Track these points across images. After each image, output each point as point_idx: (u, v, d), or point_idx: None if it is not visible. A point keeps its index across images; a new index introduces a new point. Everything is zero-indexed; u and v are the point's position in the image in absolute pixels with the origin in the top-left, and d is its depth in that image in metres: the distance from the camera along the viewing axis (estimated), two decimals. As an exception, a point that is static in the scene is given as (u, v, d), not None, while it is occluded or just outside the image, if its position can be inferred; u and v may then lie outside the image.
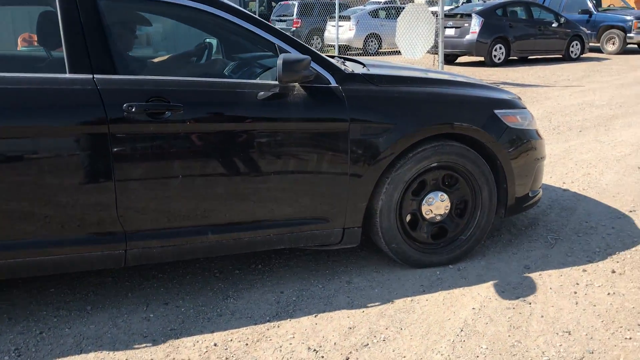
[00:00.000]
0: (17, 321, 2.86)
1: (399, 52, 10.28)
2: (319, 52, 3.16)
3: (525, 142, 3.50)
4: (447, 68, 11.50)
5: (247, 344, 2.69)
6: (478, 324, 2.83)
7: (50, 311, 2.96)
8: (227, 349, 2.66)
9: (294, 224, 3.06)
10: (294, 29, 17.87)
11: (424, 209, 3.34)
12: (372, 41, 16.89)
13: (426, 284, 3.22)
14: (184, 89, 2.79)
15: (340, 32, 13.67)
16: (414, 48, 9.74)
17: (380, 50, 16.61)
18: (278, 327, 2.83)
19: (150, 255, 2.85)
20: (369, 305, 3.02)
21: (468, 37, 13.35)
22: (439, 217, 3.38)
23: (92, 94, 2.64)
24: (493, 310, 2.95)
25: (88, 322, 2.85)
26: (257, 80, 3.02)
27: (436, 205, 3.35)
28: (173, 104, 2.74)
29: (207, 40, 3.80)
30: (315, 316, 2.91)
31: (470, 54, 13.54)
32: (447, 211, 3.38)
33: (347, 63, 3.64)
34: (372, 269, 3.41)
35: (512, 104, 3.59)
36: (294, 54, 2.92)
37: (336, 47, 12.31)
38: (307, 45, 3.14)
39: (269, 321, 2.87)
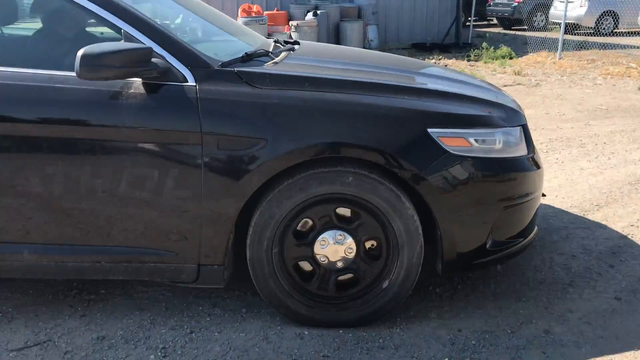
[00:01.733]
0: (173, 313, 2.73)
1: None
2: (181, 41, 2.47)
3: (480, 174, 2.48)
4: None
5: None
6: None
7: (205, 307, 2.78)
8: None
9: (132, 253, 2.47)
10: (515, 4, 16.47)
11: (317, 254, 2.51)
12: (606, 19, 14.86)
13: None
14: None
15: (569, 8, 12.14)
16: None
17: (615, 31, 14.53)
18: (448, 380, 2.30)
19: None
20: (572, 370, 2.34)
21: None
22: (340, 264, 2.52)
23: None
24: None
25: (239, 329, 2.61)
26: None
27: (332, 250, 2.50)
28: None
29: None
30: (497, 373, 2.33)
31: None
32: (351, 254, 2.52)
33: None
34: (579, 316, 2.69)
35: (467, 121, 2.55)
36: (111, 44, 2.26)
37: (562, 27, 10.92)
38: (170, 34, 2.47)
39: (437, 368, 2.36)
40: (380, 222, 2.47)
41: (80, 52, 2.19)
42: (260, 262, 2.48)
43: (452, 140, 2.48)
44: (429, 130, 2.44)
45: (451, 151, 2.45)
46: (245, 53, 2.68)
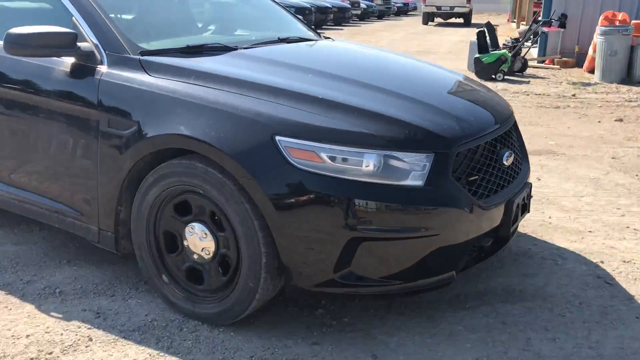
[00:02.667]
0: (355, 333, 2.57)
1: None
2: (111, 29, 2.83)
3: (326, 195, 2.26)
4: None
5: None
6: None
7: (385, 331, 2.60)
8: None
9: (59, 206, 2.97)
10: None
11: (185, 236, 2.59)
12: None
13: None
14: None
15: None
16: None
17: None
18: None
19: None
20: None
21: None
22: (195, 256, 2.57)
23: None
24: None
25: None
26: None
27: (193, 240, 2.55)
28: None
29: None
30: None
31: None
32: (208, 256, 2.53)
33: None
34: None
35: (323, 134, 2.32)
36: (38, 27, 2.68)
37: None
38: (105, 20, 2.85)
39: None
40: (230, 228, 2.43)
41: (8, 31, 2.66)
42: (140, 228, 2.68)
43: (300, 152, 2.30)
44: (277, 137, 2.31)
45: (295, 164, 2.29)
46: (187, 45, 3.01)
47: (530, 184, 3.03)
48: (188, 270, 2.62)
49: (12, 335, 2.55)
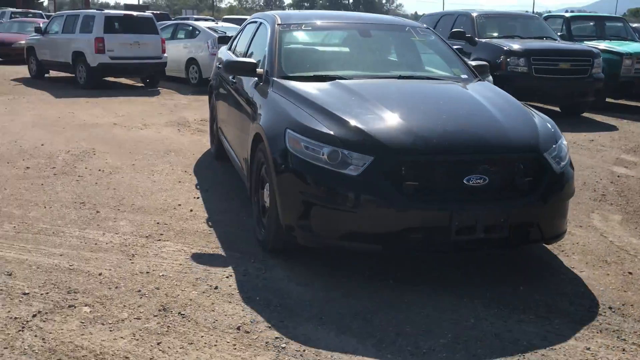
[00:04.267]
0: None
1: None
2: (276, 64, 4.52)
3: (297, 170, 3.48)
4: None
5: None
6: None
7: None
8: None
9: (237, 161, 5.02)
10: None
11: (263, 190, 4.03)
12: None
13: None
14: None
15: None
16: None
17: None
18: None
19: None
20: None
21: None
22: (264, 201, 4.01)
23: None
24: None
25: None
26: None
27: (263, 193, 4.02)
28: None
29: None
30: None
31: None
32: (267, 204, 3.88)
33: None
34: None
35: (305, 131, 3.51)
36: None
37: None
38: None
39: None
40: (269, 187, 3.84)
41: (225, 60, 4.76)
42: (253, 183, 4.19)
43: (293, 142, 3.52)
44: (287, 129, 3.61)
45: (289, 149, 3.51)
46: (314, 74, 4.43)
47: (515, 211, 3.43)
48: (262, 207, 4.00)
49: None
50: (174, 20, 21.91)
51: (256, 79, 4.51)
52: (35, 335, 2.85)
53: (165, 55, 13.29)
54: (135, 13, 14.17)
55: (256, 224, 4.11)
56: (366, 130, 3.44)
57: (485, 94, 4.21)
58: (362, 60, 4.98)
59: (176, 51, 14.07)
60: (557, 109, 11.27)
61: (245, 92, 4.72)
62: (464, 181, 3.34)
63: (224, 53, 6.49)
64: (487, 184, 3.36)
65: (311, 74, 4.40)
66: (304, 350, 2.81)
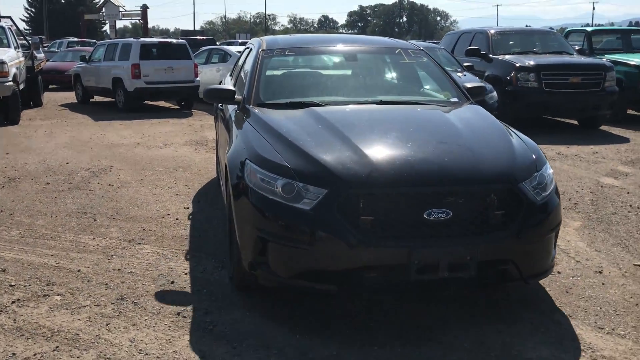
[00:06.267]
0: None
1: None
2: (253, 92, 4.48)
3: (248, 202, 3.37)
4: None
5: None
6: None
7: None
8: None
9: None
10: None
11: None
12: None
13: None
14: None
15: None
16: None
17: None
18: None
19: None
20: None
21: None
22: None
23: None
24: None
25: None
26: None
27: None
28: None
29: None
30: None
31: None
32: None
33: None
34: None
35: (262, 163, 3.38)
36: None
37: None
38: None
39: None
40: None
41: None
42: None
43: (251, 174, 3.39)
44: (247, 160, 3.48)
45: (247, 181, 3.39)
46: (290, 101, 4.35)
47: (484, 248, 3.13)
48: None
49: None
50: (213, 46, 22.92)
51: (236, 106, 4.51)
52: (9, 317, 3.43)
53: (197, 79, 14.10)
54: (170, 40, 15.13)
55: (229, 258, 3.92)
56: (322, 162, 3.25)
57: (466, 119, 3.98)
58: (344, 85, 4.91)
59: (210, 75, 14.89)
60: (576, 122, 11.37)
61: (226, 120, 4.82)
62: (425, 215, 3.07)
63: (227, 79, 6.51)
64: (450, 218, 3.09)
65: (288, 100, 4.32)
66: (228, 332, 3.26)
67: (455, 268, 3.11)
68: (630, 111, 12.00)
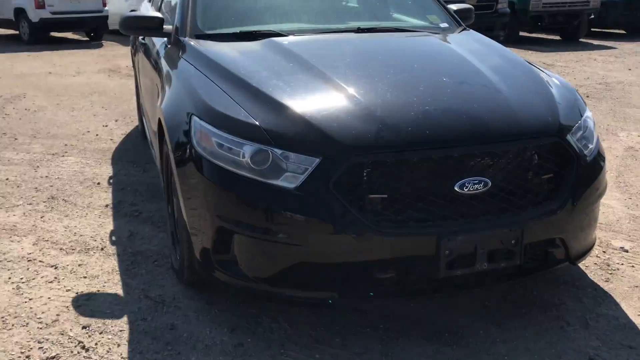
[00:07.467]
0: None
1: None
2: (190, 20, 3.33)
3: (202, 176, 2.36)
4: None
5: None
6: None
7: None
8: None
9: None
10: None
11: None
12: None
13: None
14: None
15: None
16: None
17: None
18: None
19: None
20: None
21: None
22: None
23: None
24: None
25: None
26: None
27: None
28: None
29: None
30: None
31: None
32: None
33: None
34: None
35: (220, 121, 2.38)
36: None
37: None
38: None
39: None
40: None
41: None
42: None
43: (202, 136, 2.39)
44: (192, 116, 2.48)
45: (196, 147, 2.39)
46: (240, 31, 3.21)
47: (533, 225, 2.34)
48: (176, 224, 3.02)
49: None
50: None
51: (165, 39, 3.45)
52: (-53, 217, 3.77)
53: (106, 8, 13.81)
54: (74, -32, 14.57)
55: (171, 243, 2.98)
56: (308, 117, 2.30)
57: (476, 51, 3.05)
58: (308, 8, 3.69)
59: (119, 5, 14.57)
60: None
61: (153, 57, 3.69)
62: (456, 188, 2.24)
63: (143, 6, 5.21)
64: (489, 189, 2.28)
65: (237, 29, 3.22)
66: (152, 216, 3.76)
67: (497, 257, 2.30)
68: (522, 33, 12.98)
